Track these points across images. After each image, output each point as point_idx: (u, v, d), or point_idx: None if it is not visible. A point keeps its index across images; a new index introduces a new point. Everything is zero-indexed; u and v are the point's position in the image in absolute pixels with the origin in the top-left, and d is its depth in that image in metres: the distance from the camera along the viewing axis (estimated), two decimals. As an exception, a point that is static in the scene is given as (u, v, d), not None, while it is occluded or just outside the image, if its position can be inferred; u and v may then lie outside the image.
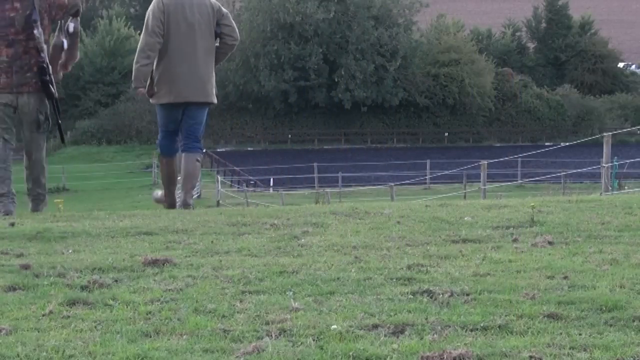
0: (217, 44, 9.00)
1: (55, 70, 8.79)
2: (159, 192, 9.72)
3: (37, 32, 8.48)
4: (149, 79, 8.92)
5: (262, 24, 78.07)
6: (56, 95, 8.64)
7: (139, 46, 8.92)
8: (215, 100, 9.07)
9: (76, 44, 9.13)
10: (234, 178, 55.46)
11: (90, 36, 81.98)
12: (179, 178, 9.44)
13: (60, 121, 8.81)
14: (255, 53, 77.83)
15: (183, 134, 9.00)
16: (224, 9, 8.99)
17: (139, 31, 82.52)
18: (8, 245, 7.66)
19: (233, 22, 9.07)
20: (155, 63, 8.86)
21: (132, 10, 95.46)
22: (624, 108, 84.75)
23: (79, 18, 9.07)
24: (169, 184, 9.47)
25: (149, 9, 9.13)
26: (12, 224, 8.77)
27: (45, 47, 8.62)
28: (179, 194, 9.55)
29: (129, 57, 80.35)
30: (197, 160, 9.10)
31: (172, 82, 8.78)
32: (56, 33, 9.01)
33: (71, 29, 8.94)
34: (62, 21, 8.93)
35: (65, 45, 8.86)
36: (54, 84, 8.60)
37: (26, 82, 8.53)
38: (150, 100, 9.11)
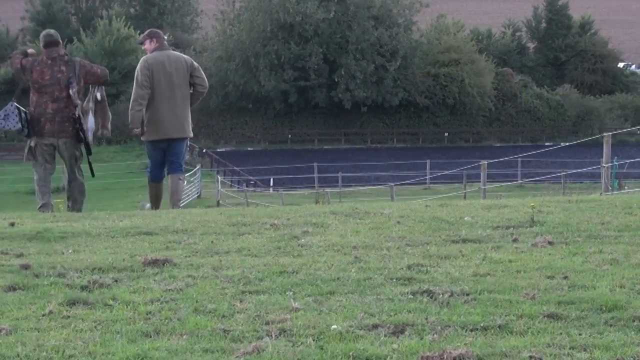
0: (191, 91, 11.16)
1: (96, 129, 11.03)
2: (147, 205, 11.73)
3: (72, 92, 10.58)
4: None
5: (262, 24, 77.95)
6: (87, 139, 10.70)
7: (132, 96, 10.92)
8: (191, 135, 11.39)
9: (105, 107, 11.10)
10: (234, 178, 55.40)
11: (90, 36, 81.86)
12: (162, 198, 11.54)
13: (90, 160, 10.85)
14: (255, 53, 77.71)
15: (168, 162, 11.18)
16: (195, 63, 11.11)
17: (139, 31, 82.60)
18: (8, 245, 7.65)
19: (203, 73, 11.24)
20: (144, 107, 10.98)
21: (132, 10, 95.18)
22: (624, 108, 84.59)
23: (104, 87, 11.08)
24: (156, 202, 11.35)
25: (137, 67, 11.04)
26: (12, 224, 8.78)
27: (79, 102, 10.69)
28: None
29: (128, 57, 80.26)
30: (180, 179, 11.26)
31: (157, 123, 10.93)
32: (86, 100, 10.98)
33: (99, 97, 10.94)
34: (92, 88, 10.95)
35: (94, 109, 10.88)
36: (84, 130, 10.70)
37: (64, 130, 10.63)
38: (142, 138, 11.27)
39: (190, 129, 11.29)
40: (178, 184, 11.25)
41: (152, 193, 11.35)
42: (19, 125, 10.63)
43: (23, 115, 10.65)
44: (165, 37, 11.20)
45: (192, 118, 11.37)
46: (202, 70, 11.46)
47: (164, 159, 11.17)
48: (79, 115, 10.64)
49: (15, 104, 10.69)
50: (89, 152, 10.82)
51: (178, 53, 11.25)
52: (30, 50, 11.16)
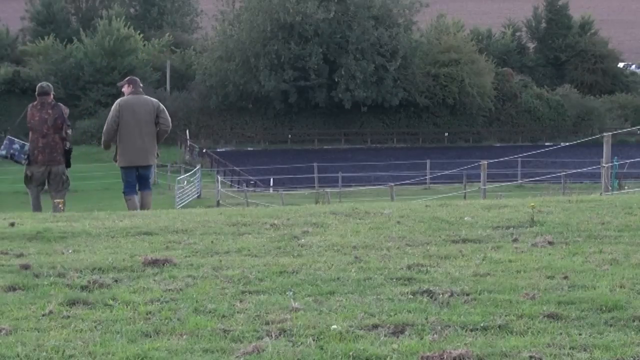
0: (158, 129, 13.36)
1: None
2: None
3: (69, 132, 13.70)
4: (115, 150, 13.48)
5: (262, 24, 77.81)
6: (69, 162, 13.77)
7: (105, 127, 13.50)
8: (155, 162, 13.75)
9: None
10: (234, 178, 55.35)
11: (90, 36, 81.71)
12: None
13: (69, 166, 13.76)
14: (255, 53, 77.59)
15: (139, 183, 13.43)
16: (161, 106, 13.49)
17: (139, 31, 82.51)
18: (8, 245, 7.66)
19: (167, 114, 13.49)
20: (118, 140, 13.37)
21: (132, 10, 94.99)
22: (624, 108, 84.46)
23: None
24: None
25: (112, 106, 13.55)
26: (12, 224, 8.79)
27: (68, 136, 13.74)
28: None
29: (128, 57, 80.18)
30: (149, 195, 13.53)
31: (127, 153, 13.30)
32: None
33: (69, 125, 13.92)
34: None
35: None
36: (70, 157, 13.79)
37: (53, 159, 13.43)
38: (116, 164, 13.55)
39: (155, 158, 13.65)
40: (149, 199, 13.52)
41: (129, 206, 13.19)
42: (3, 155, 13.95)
43: (26, 149, 13.69)
44: (141, 85, 13.64)
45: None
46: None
47: (134, 180, 13.43)
48: (70, 149, 13.68)
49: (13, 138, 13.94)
50: (68, 166, 13.73)
51: (147, 97, 13.58)
52: None
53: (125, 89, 13.54)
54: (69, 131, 13.79)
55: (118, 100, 13.55)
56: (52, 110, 13.49)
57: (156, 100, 13.74)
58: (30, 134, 13.54)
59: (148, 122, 13.25)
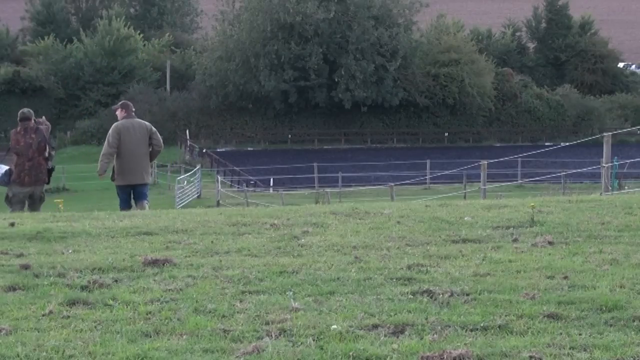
0: (150, 149, 14.37)
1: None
2: None
3: (52, 152, 14.61)
4: (112, 169, 14.24)
5: (262, 24, 77.77)
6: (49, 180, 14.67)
7: (103, 151, 14.25)
8: (150, 181, 14.73)
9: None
10: (234, 178, 55.32)
11: (90, 36, 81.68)
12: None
13: (48, 183, 14.67)
14: (255, 53, 77.55)
15: (135, 199, 14.32)
16: (153, 128, 14.54)
17: (139, 31, 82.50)
18: (8, 245, 7.66)
19: (159, 136, 14.54)
20: (115, 160, 14.24)
21: (132, 10, 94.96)
22: (624, 108, 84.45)
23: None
24: None
25: (110, 130, 14.40)
26: (12, 224, 8.80)
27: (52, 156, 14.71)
28: None
29: (128, 57, 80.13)
30: (145, 203, 14.28)
31: (124, 172, 14.19)
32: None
33: (53, 147, 14.93)
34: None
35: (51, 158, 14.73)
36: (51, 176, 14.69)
37: (38, 179, 14.30)
38: (114, 183, 14.42)
39: (149, 177, 14.67)
40: (144, 207, 14.18)
41: None
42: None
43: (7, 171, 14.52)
44: (134, 109, 14.61)
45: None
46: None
47: (130, 197, 14.30)
48: (52, 168, 14.55)
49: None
50: (47, 183, 14.59)
51: (141, 120, 14.58)
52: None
53: (118, 113, 14.53)
54: (53, 152, 14.76)
55: (116, 124, 14.45)
56: (35, 135, 14.37)
57: (148, 123, 14.84)
58: (17, 158, 14.40)
59: (143, 144, 14.27)
